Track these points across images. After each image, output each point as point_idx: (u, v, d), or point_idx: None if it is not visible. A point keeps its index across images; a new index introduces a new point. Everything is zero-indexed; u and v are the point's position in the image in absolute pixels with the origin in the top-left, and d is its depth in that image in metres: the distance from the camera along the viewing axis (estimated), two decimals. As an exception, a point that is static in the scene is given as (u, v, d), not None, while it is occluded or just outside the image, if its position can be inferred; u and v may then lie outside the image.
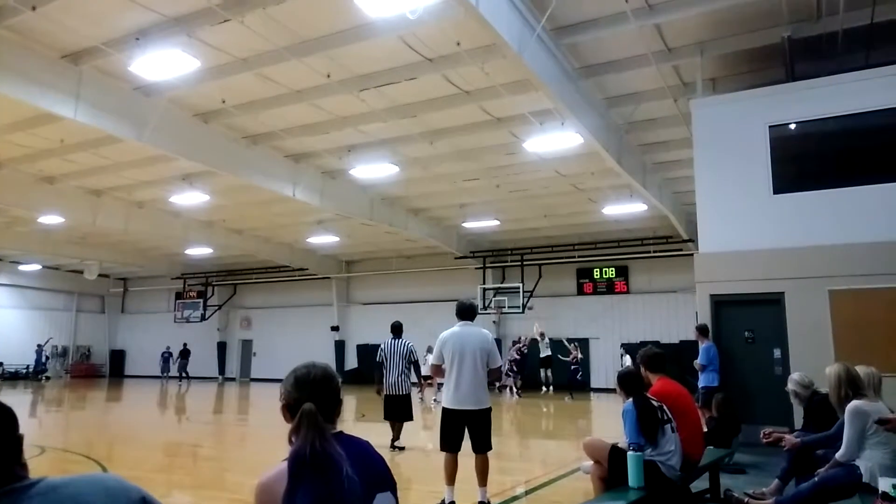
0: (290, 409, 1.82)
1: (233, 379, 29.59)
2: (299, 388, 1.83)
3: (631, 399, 4.43)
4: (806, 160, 9.75)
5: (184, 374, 27.70)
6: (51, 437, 10.90)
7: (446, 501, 5.35)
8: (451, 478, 5.33)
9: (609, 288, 22.74)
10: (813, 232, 8.80)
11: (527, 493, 6.42)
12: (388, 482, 1.79)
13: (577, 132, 11.32)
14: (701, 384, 8.79)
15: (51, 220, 18.92)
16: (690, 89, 10.79)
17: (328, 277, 27.11)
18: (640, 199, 16.12)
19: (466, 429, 5.35)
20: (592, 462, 4.67)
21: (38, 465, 8.35)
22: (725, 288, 9.34)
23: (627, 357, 18.99)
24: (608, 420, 14.67)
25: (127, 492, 1.33)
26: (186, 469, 8.41)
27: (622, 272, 22.51)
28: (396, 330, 9.29)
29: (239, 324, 30.05)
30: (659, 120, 12.59)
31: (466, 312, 5.57)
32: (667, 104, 11.66)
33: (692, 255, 11.09)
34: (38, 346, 28.68)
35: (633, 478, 4.12)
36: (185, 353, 27.99)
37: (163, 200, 17.95)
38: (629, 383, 4.54)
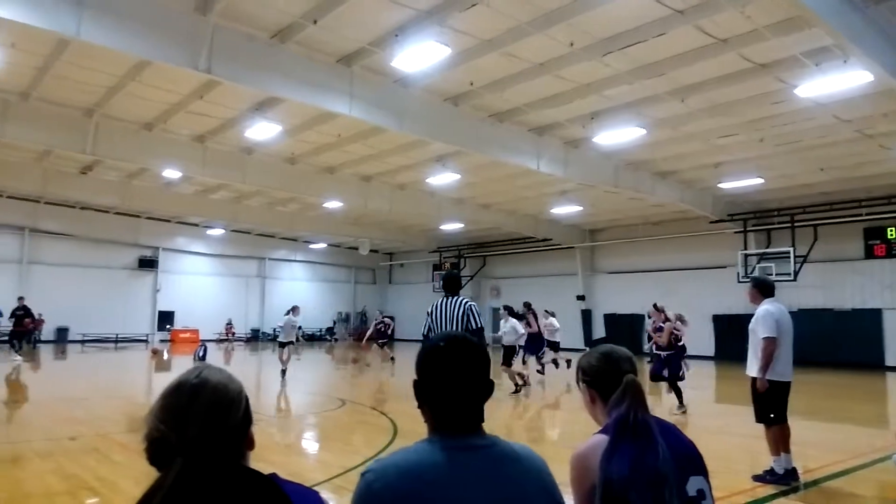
0: (595, 384, 1.89)
1: (487, 344, 31.39)
2: (608, 362, 1.89)
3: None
4: None
5: None
6: (345, 392, 12.73)
7: (786, 469, 5.66)
8: (787, 446, 5.73)
9: (908, 250, 19.15)
10: None
11: (816, 482, 5.77)
12: (700, 467, 1.76)
13: (866, 69, 9.64)
14: None
15: (332, 204, 22.08)
16: None
17: (572, 247, 27.12)
18: (955, 140, 13.20)
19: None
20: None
21: (339, 416, 9.85)
22: None
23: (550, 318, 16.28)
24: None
25: (552, 493, 1.44)
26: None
27: (927, 230, 18.76)
28: (451, 284, 6.57)
29: (489, 293, 31.71)
30: (983, 40, 10.09)
31: (772, 289, 6.06)
32: None
33: None
34: (338, 313, 36.18)
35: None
36: None
37: (420, 182, 19.64)
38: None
